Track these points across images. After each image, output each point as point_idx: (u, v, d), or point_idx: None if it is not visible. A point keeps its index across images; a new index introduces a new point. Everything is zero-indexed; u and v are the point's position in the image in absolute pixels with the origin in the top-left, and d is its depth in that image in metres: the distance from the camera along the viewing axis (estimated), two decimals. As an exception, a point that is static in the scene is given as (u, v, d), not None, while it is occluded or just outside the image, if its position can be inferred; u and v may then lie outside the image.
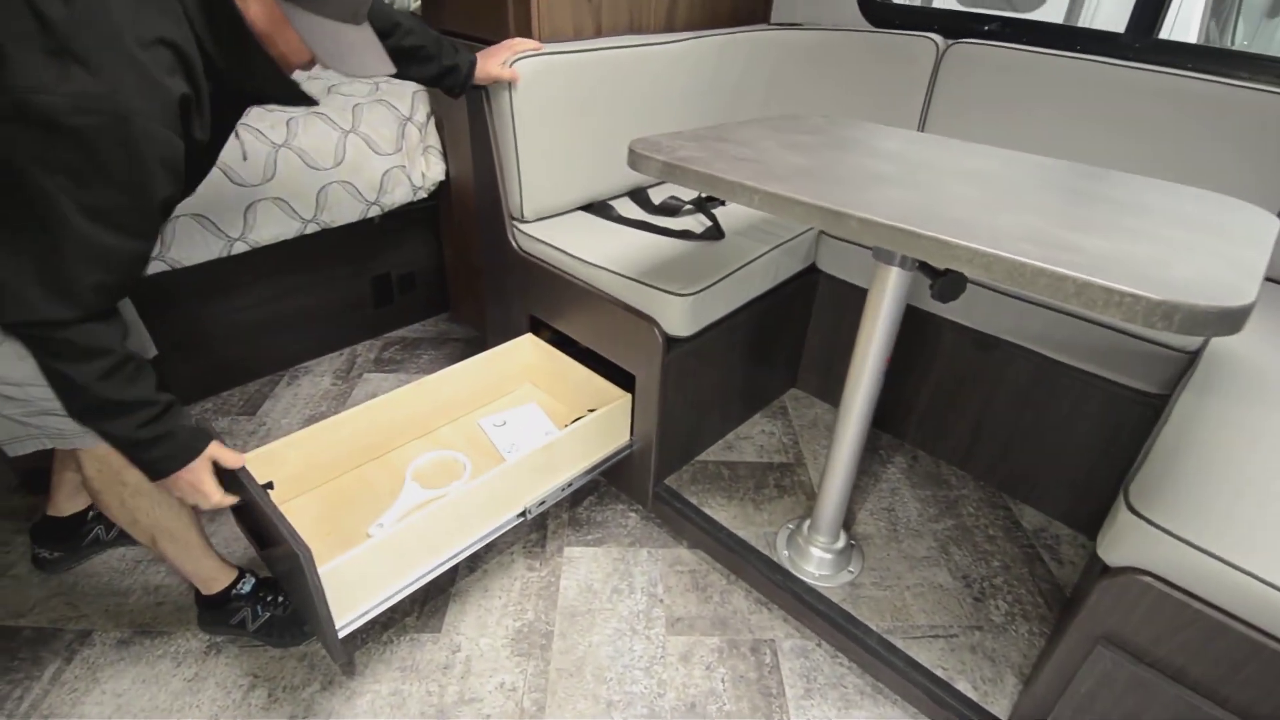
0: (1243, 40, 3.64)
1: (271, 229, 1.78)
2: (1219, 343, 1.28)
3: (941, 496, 1.66)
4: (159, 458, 0.99)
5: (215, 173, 1.63)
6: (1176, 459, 0.97)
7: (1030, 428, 1.58)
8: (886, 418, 1.86)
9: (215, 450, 1.05)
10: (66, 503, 1.41)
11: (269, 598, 1.32)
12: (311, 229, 1.85)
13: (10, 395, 0.96)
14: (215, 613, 1.30)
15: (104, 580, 1.42)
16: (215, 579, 1.28)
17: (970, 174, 1.11)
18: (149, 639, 1.31)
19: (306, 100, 1.01)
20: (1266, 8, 3.63)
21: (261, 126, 1.72)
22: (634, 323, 1.43)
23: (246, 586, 1.31)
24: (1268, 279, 1.52)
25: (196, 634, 1.32)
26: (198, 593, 1.29)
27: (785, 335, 1.87)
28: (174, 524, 1.17)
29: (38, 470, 1.48)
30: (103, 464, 1.08)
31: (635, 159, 1.14)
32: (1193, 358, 1.27)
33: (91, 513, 1.45)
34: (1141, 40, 1.63)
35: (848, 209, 0.89)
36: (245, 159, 1.69)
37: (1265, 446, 0.99)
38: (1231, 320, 0.69)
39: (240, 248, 1.74)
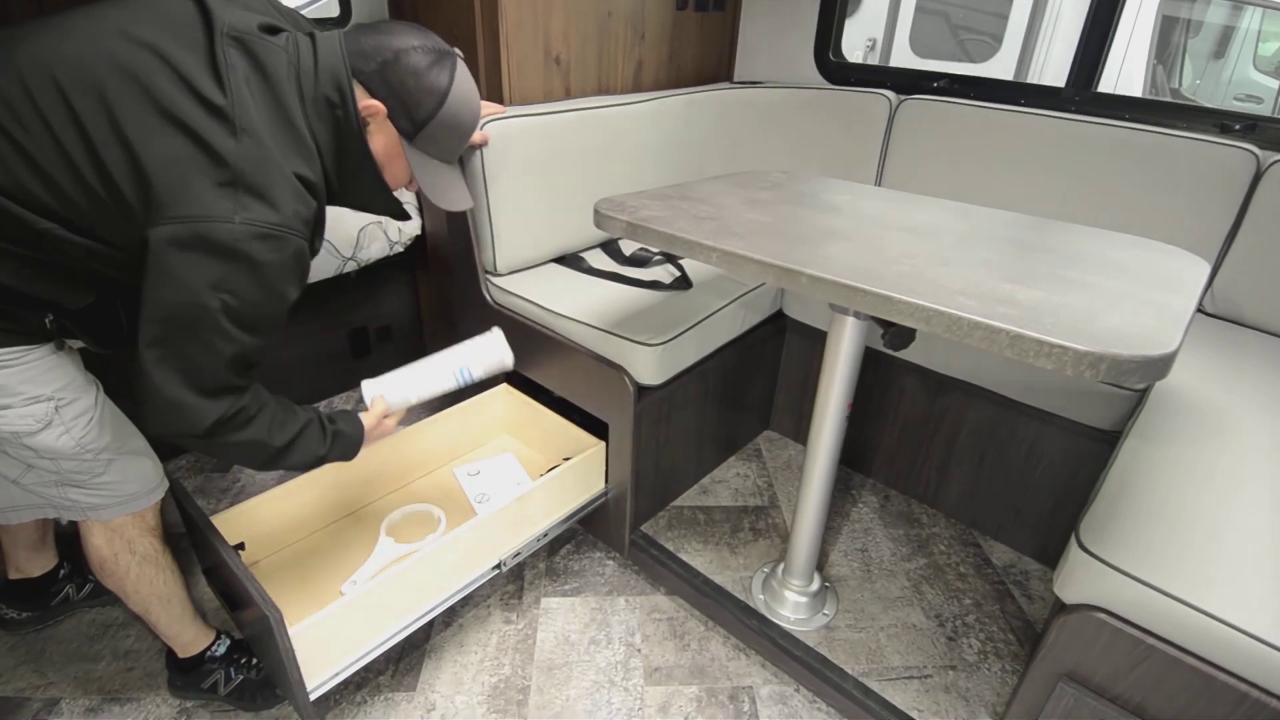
0: (1193, 80, 3.82)
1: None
2: (1165, 380, 1.34)
3: (913, 535, 1.69)
4: (344, 453, 1.12)
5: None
6: (1125, 497, 1.01)
7: (994, 465, 1.63)
8: (857, 457, 1.90)
9: (373, 415, 1.19)
10: (29, 563, 1.40)
11: (243, 660, 1.30)
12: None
13: (37, 466, 1.00)
14: (188, 676, 1.28)
15: (73, 646, 1.39)
16: (195, 642, 1.27)
17: (917, 228, 1.17)
18: (119, 705, 1.28)
19: (405, 214, 1.18)
20: (1212, 50, 3.84)
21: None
22: (605, 372, 1.46)
23: (221, 649, 1.30)
24: (1210, 314, 1.60)
25: (167, 699, 1.29)
26: (170, 655, 1.28)
27: (756, 379, 1.91)
28: (172, 589, 1.19)
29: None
30: (115, 533, 1.10)
31: (600, 218, 1.19)
32: (1141, 395, 1.32)
33: (63, 572, 1.44)
34: (1081, 93, 1.73)
35: (799, 266, 0.94)
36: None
37: (1209, 482, 1.04)
38: (1155, 369, 0.73)
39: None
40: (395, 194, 1.10)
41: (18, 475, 1.03)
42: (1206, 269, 1.05)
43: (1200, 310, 1.61)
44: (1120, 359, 0.72)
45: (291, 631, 1.03)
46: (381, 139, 1.00)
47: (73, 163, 0.80)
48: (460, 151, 1.11)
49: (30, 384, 0.94)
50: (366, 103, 0.96)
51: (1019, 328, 0.77)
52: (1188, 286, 0.95)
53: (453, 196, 1.13)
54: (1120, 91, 3.45)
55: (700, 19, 2.12)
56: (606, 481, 1.57)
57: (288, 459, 1.02)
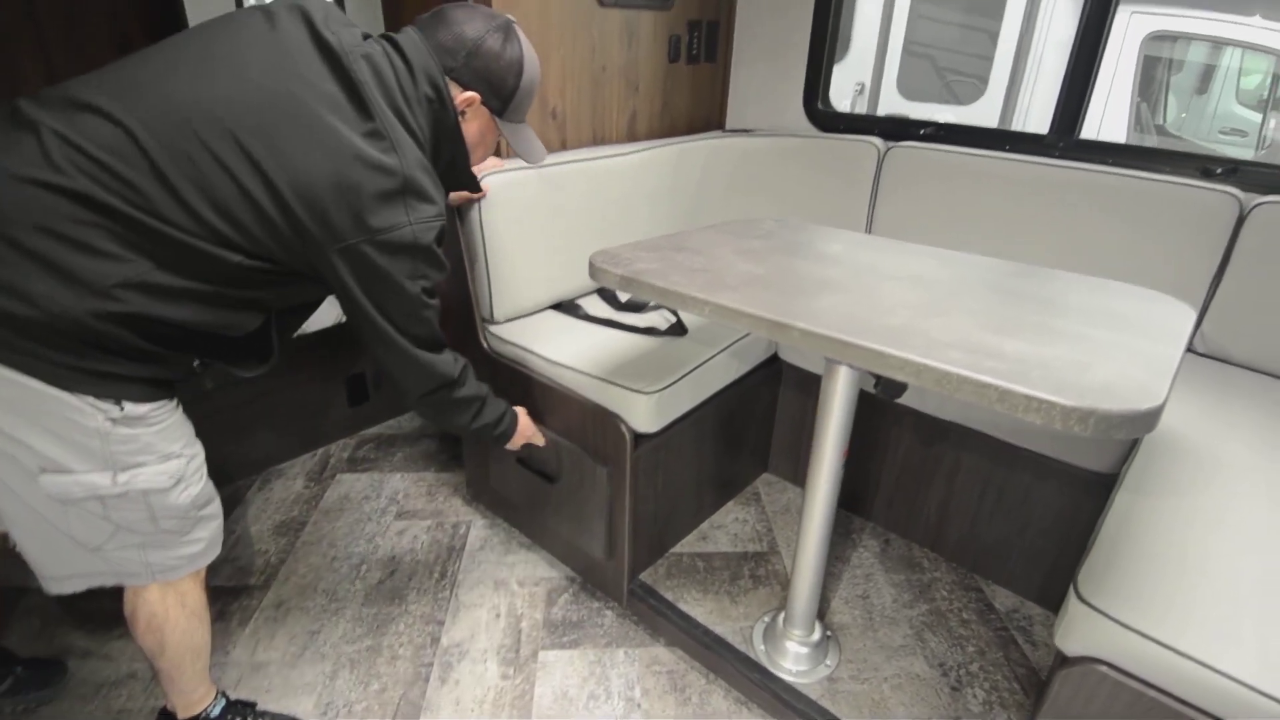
0: (1178, 116, 3.89)
1: (247, 337, 1.81)
2: (1161, 419, 1.34)
3: (915, 580, 1.67)
4: (508, 429, 1.37)
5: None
6: (1122, 545, 1.01)
7: (993, 509, 1.62)
8: (856, 500, 1.89)
9: (526, 419, 1.46)
10: None
11: (238, 718, 1.28)
12: (287, 335, 1.89)
13: (133, 528, 1.00)
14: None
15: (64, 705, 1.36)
16: (203, 700, 1.24)
17: (909, 277, 1.19)
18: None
19: (481, 189, 1.45)
20: (1195, 86, 3.93)
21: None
22: (601, 420, 1.46)
23: (216, 709, 1.27)
24: (1201, 354, 1.61)
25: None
26: (167, 716, 1.25)
27: (753, 423, 1.92)
28: (206, 641, 1.18)
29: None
30: (172, 588, 1.10)
31: (595, 271, 1.21)
32: (1134, 439, 1.32)
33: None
34: (1064, 140, 1.77)
35: (790, 320, 0.95)
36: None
37: (1205, 527, 1.03)
38: (1143, 422, 0.74)
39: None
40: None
41: (103, 541, 1.00)
42: (1192, 316, 1.06)
43: (1190, 350, 1.62)
44: (1108, 414, 0.73)
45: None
46: (477, 124, 1.12)
47: (252, 199, 0.88)
48: (530, 106, 1.20)
49: (165, 439, 0.98)
50: (463, 96, 1.06)
51: (1008, 382, 0.78)
52: (1174, 335, 0.96)
53: (536, 150, 1.24)
54: (1105, 129, 3.53)
55: (692, 70, 2.18)
56: (605, 530, 1.56)
57: (486, 413, 1.28)
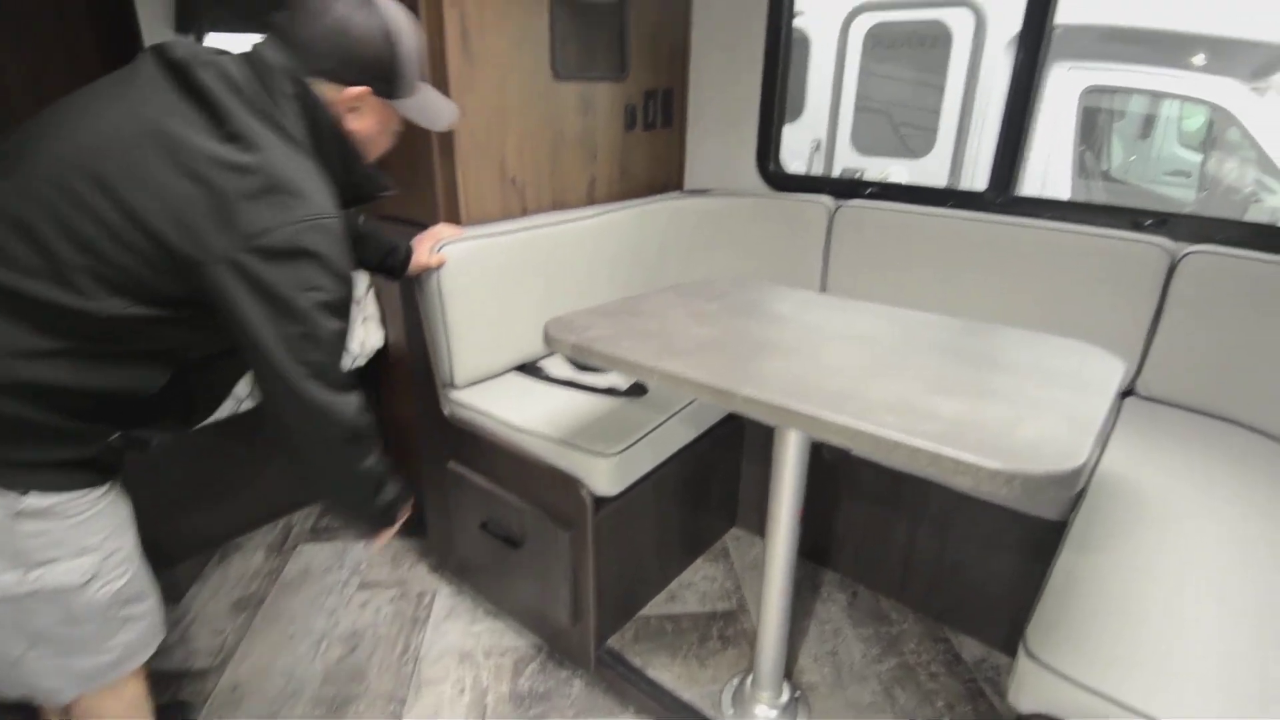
0: (1124, 160, 4.06)
1: (205, 410, 1.79)
2: (1106, 466, 1.38)
3: (883, 633, 1.67)
4: (396, 499, 1.16)
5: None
6: (1070, 598, 1.02)
7: (955, 557, 1.63)
8: (823, 552, 1.89)
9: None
10: None
11: None
12: (246, 406, 1.88)
13: (52, 637, 0.94)
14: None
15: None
16: None
17: (855, 337, 1.23)
18: None
19: (387, 186, 1.15)
20: (1138, 131, 4.12)
21: (199, 311, 1.78)
22: (562, 484, 1.46)
23: None
24: (1145, 398, 1.66)
25: None
26: None
27: (719, 478, 1.92)
28: None
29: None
30: (112, 691, 1.04)
31: (549, 340, 1.23)
32: (1084, 485, 1.35)
33: None
34: (1002, 196, 1.86)
35: (734, 388, 0.97)
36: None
37: (1152, 577, 1.06)
38: (1066, 483, 0.76)
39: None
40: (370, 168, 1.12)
41: (20, 653, 0.94)
42: (1122, 369, 1.10)
43: (1134, 394, 1.67)
44: (1031, 476, 0.75)
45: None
46: (372, 117, 1.03)
47: (111, 227, 0.83)
48: (420, 64, 1.07)
49: (83, 532, 0.92)
50: (350, 93, 0.98)
51: (938, 446, 0.80)
52: (1102, 390, 1.00)
53: (440, 112, 1.14)
54: (1051, 177, 3.69)
55: (649, 135, 2.26)
56: (570, 596, 1.54)
57: (388, 489, 1.12)
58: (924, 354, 1.15)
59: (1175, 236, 1.62)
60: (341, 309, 0.95)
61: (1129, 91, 3.76)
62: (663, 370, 1.05)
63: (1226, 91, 3.49)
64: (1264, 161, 3.47)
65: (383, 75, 0.99)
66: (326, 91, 0.96)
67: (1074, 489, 0.77)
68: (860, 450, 0.87)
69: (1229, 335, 1.53)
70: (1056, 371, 1.08)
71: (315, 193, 0.91)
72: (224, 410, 1.83)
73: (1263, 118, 3.46)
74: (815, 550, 1.90)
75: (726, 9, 2.16)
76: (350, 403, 0.98)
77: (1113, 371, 1.09)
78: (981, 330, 1.29)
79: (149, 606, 1.05)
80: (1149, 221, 1.68)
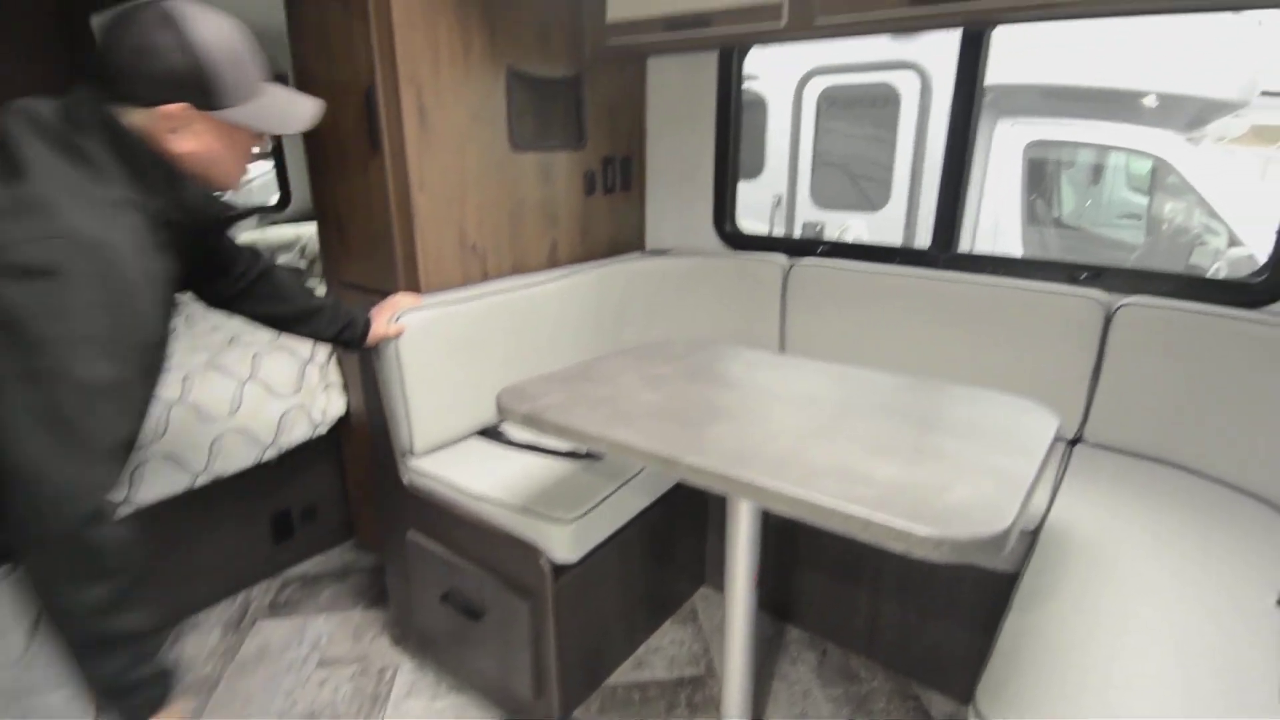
0: (1076, 206, 4.21)
1: (159, 487, 1.76)
2: (1056, 515, 1.40)
3: (852, 693, 1.65)
4: (151, 699, 0.90)
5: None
6: (1019, 655, 1.03)
7: (919, 612, 1.63)
8: (790, 610, 1.88)
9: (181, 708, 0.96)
10: None
11: None
12: (203, 481, 1.85)
13: None
14: None
15: None
16: None
17: (801, 398, 1.26)
18: None
19: (230, 208, 1.06)
20: (1088, 177, 4.29)
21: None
22: (521, 552, 1.45)
23: None
24: (1092, 444, 1.70)
25: None
26: None
27: (684, 537, 1.92)
28: None
29: None
30: None
31: (502, 409, 1.24)
32: (1032, 537, 1.37)
33: None
34: (945, 253, 1.93)
35: (678, 456, 0.99)
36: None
37: (1101, 627, 1.07)
38: (993, 545, 0.78)
39: (124, 511, 1.71)
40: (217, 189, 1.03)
41: None
42: (1055, 424, 1.13)
43: (1082, 441, 1.72)
44: (958, 541, 0.77)
45: None
46: (206, 136, 0.95)
47: None
48: (261, 63, 0.99)
49: None
50: (162, 114, 0.91)
51: (870, 512, 0.82)
52: (1034, 449, 1.03)
53: (292, 114, 1.04)
54: (1003, 225, 3.84)
55: (609, 199, 2.32)
56: (531, 667, 1.51)
57: (129, 616, 0.86)
58: (866, 414, 1.18)
59: (1110, 289, 1.69)
60: (110, 352, 0.82)
61: (1069, 145, 3.95)
62: (611, 439, 1.07)
63: (1163, 142, 3.69)
64: (1203, 206, 3.64)
65: (196, 88, 0.92)
66: (136, 116, 0.91)
67: (1002, 551, 0.79)
68: (798, 515, 0.88)
69: (1167, 383, 1.59)
70: (991, 429, 1.11)
71: (76, 212, 0.82)
72: (178, 485, 1.80)
73: (1198, 165, 3.66)
74: (782, 608, 1.89)
75: (679, 81, 2.26)
76: (97, 477, 0.82)
77: (1046, 428, 1.12)
78: (922, 388, 1.33)
79: (58, 700, 0.99)
80: (1084, 275, 1.76)
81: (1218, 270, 3.44)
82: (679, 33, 1.84)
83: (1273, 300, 1.55)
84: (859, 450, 1.01)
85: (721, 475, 0.94)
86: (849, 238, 3.92)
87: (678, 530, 1.87)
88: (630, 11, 1.91)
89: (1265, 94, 4.03)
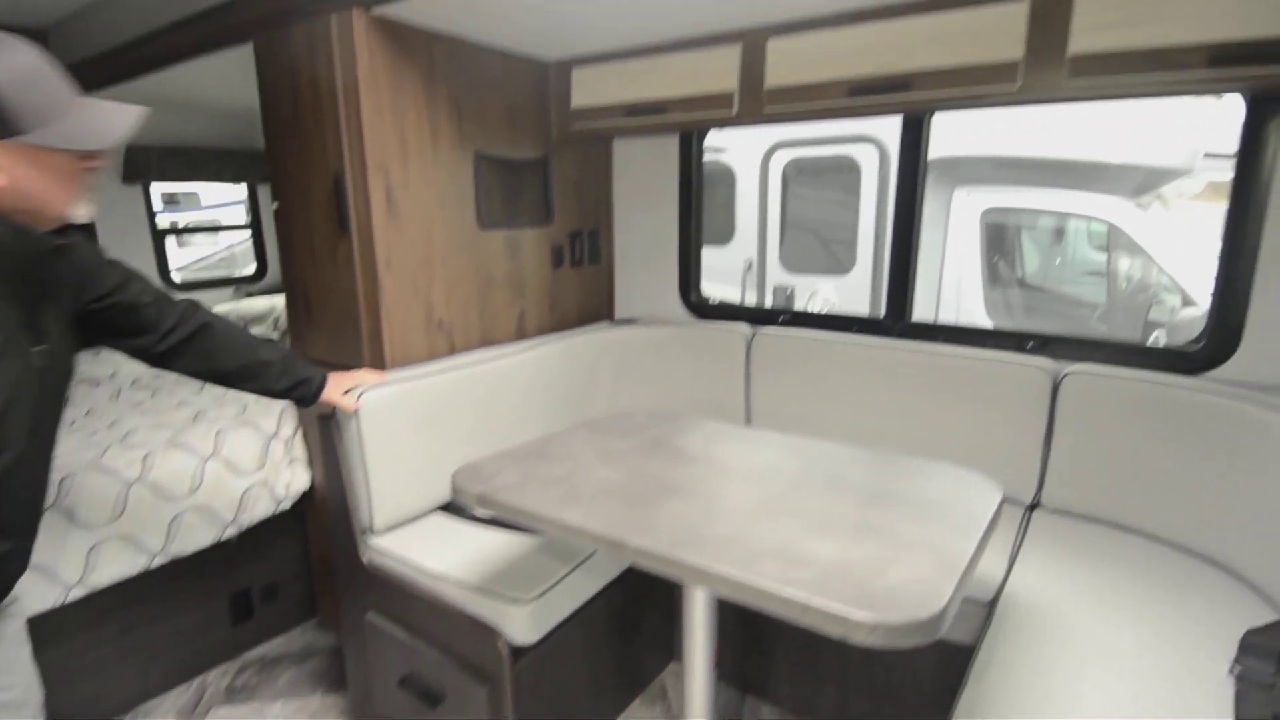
0: (1042, 264, 4.33)
1: (115, 568, 1.72)
2: (1014, 582, 1.41)
3: (823, 773, 1.61)
4: None
5: (53, 517, 1.61)
6: (972, 734, 1.03)
7: (887, 686, 1.61)
8: (760, 684, 1.85)
9: None
10: None
11: None
12: (160, 561, 1.81)
13: None
14: None
15: None
16: None
17: (754, 472, 1.28)
18: None
19: (44, 239, 1.00)
20: (1050, 238, 4.44)
21: (116, 465, 1.75)
22: (479, 634, 1.43)
23: None
24: (1049, 509, 1.72)
25: None
26: None
27: (650, 612, 1.89)
28: None
29: None
30: None
31: (456, 490, 1.24)
32: (989, 606, 1.38)
33: None
34: (898, 323, 1.99)
35: (624, 539, 1.00)
36: (91, 501, 1.69)
37: (1059, 694, 1.07)
38: (928, 628, 0.80)
39: (77, 594, 1.67)
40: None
41: None
42: (999, 498, 1.16)
43: (1040, 507, 1.74)
44: (893, 626, 0.78)
45: None
46: (18, 165, 0.90)
47: None
48: (66, 79, 0.96)
49: None
50: None
51: (809, 596, 0.83)
52: (974, 524, 1.05)
53: (111, 126, 0.98)
54: (964, 287, 3.95)
55: (577, 271, 2.38)
56: (492, 753, 1.47)
57: None
58: (816, 489, 1.20)
59: (1057, 356, 1.75)
60: None
61: (1023, 211, 4.12)
62: (560, 522, 1.07)
63: (1113, 208, 3.87)
64: (1153, 266, 3.80)
65: None
66: None
67: (936, 634, 0.80)
68: (740, 599, 0.89)
69: (1116, 448, 1.63)
70: (936, 503, 1.13)
71: None
72: (135, 566, 1.76)
73: (1147, 229, 3.83)
74: (752, 683, 1.86)
75: (644, 159, 2.35)
76: None
77: (989, 501, 1.14)
78: (873, 460, 1.35)
79: None
80: (1030, 344, 1.82)
81: (1172, 330, 3.56)
82: (639, 118, 1.93)
83: (1210, 367, 1.61)
84: (803, 528, 1.03)
85: (666, 558, 0.95)
86: (818, 300, 4.02)
87: (644, 605, 1.85)
88: (594, 99, 2.01)
89: (1209, 155, 4.26)
